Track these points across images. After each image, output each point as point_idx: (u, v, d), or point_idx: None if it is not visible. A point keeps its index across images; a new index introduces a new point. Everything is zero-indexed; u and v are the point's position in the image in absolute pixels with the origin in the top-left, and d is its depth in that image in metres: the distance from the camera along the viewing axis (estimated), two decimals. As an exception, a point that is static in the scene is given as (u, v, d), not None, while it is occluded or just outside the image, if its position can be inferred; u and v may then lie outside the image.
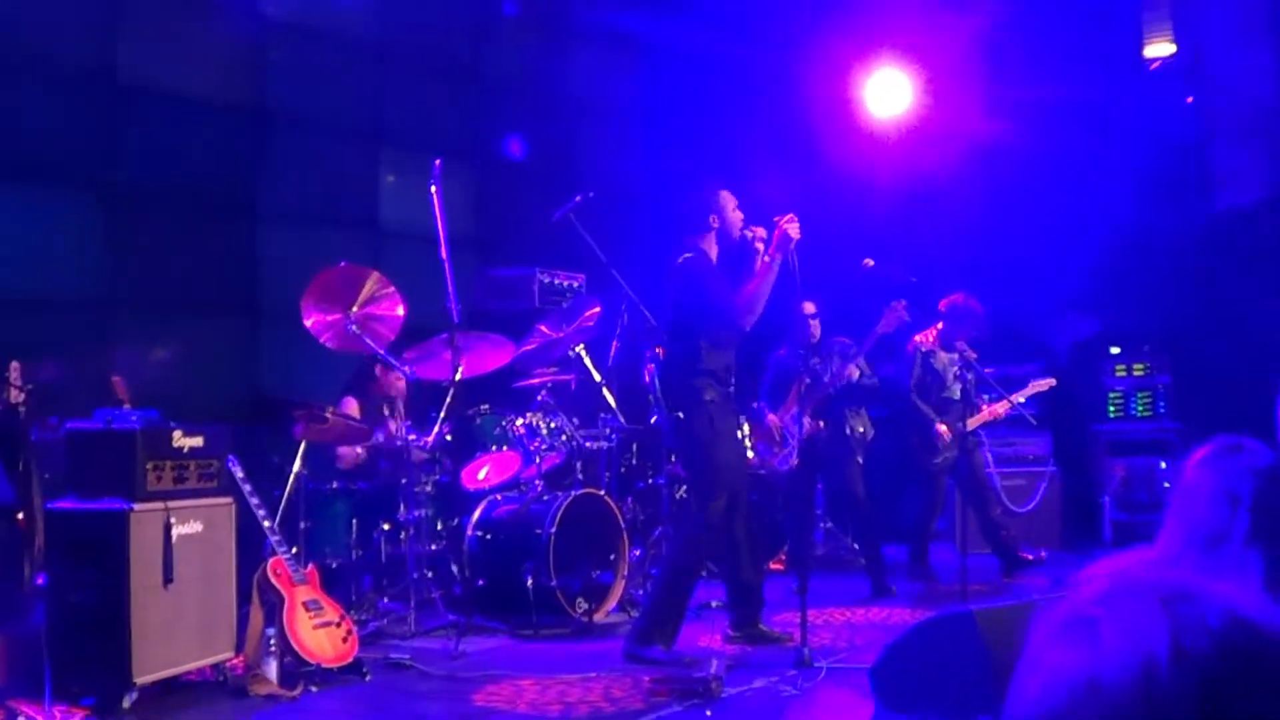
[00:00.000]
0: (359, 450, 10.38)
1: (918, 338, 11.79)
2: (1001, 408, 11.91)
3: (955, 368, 11.74)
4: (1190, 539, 3.42)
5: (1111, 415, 14.21)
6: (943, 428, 11.60)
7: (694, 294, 8.74)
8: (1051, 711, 1.37)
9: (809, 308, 11.28)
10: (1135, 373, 14.13)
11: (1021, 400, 12.05)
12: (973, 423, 11.74)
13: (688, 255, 8.82)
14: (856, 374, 11.46)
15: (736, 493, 8.79)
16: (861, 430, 11.88)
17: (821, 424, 11.03)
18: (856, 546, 13.26)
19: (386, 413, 10.63)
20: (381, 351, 9.56)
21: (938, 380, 11.87)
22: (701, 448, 8.77)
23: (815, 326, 11.49)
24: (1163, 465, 13.77)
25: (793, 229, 8.39)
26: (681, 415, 8.82)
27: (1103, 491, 13.93)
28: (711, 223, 8.85)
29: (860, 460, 11.72)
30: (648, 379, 9.90)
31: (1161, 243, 14.28)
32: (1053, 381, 12.58)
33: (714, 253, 8.91)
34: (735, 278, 8.80)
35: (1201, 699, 1.33)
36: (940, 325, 11.91)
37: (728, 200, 8.91)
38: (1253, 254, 13.75)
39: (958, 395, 11.72)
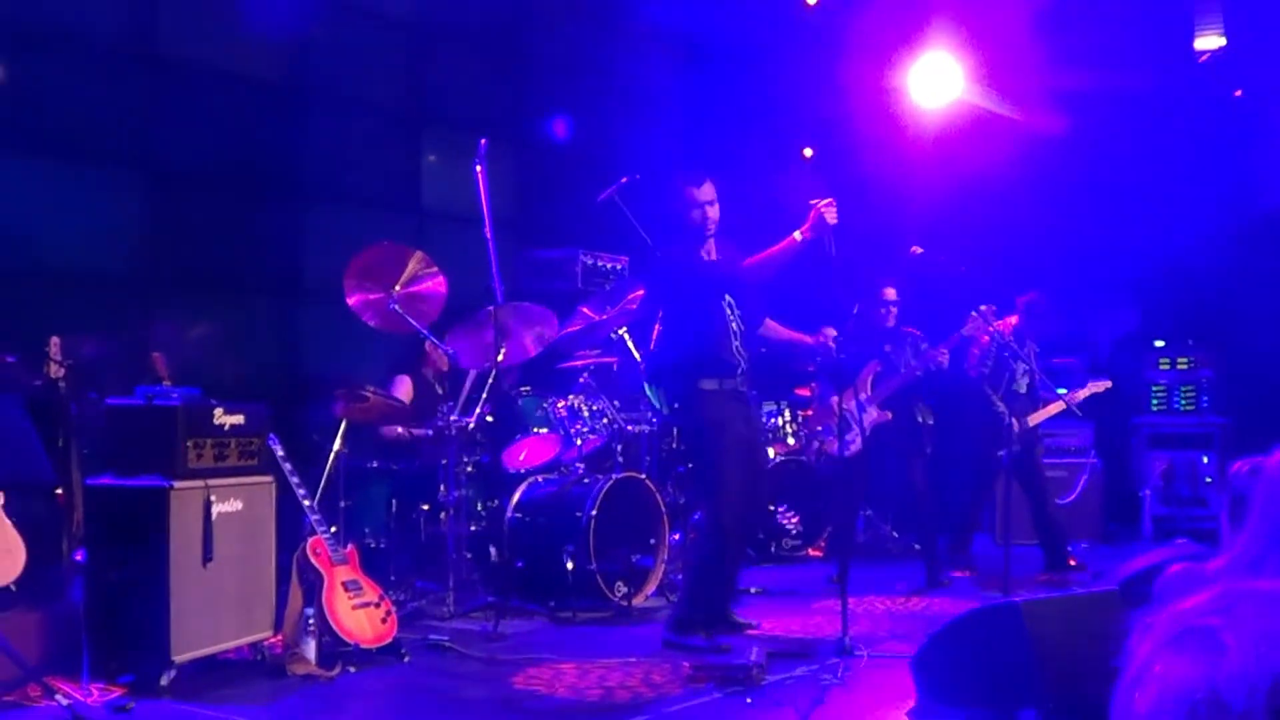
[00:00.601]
0: (397, 432, 10.36)
1: (992, 328, 11.69)
2: (1058, 407, 11.82)
3: (1024, 363, 11.69)
4: (1275, 540, 3.34)
5: (1154, 408, 14.13)
6: (1015, 422, 11.45)
7: (674, 284, 8.76)
8: None
9: (890, 293, 11.22)
10: (1179, 366, 14.05)
11: (1080, 401, 11.98)
12: (1035, 418, 11.69)
13: (663, 251, 8.81)
14: (945, 357, 11.28)
15: (746, 480, 8.67)
16: (931, 422, 11.78)
17: (890, 414, 10.93)
18: (896, 535, 13.20)
19: (440, 391, 10.58)
20: (424, 330, 9.51)
21: (1008, 373, 11.76)
22: (701, 438, 8.76)
23: (892, 314, 11.36)
24: (1205, 460, 13.68)
25: (830, 214, 8.26)
26: (678, 406, 8.87)
27: (1144, 485, 13.84)
28: (672, 219, 8.83)
29: (929, 451, 11.61)
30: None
31: (1207, 237, 14.16)
32: (1109, 384, 12.52)
33: (694, 243, 8.82)
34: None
35: None
36: (1015, 320, 11.81)
37: (700, 193, 8.75)
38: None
39: (1024, 390, 11.69)
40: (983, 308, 10.83)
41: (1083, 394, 12.05)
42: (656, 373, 9.06)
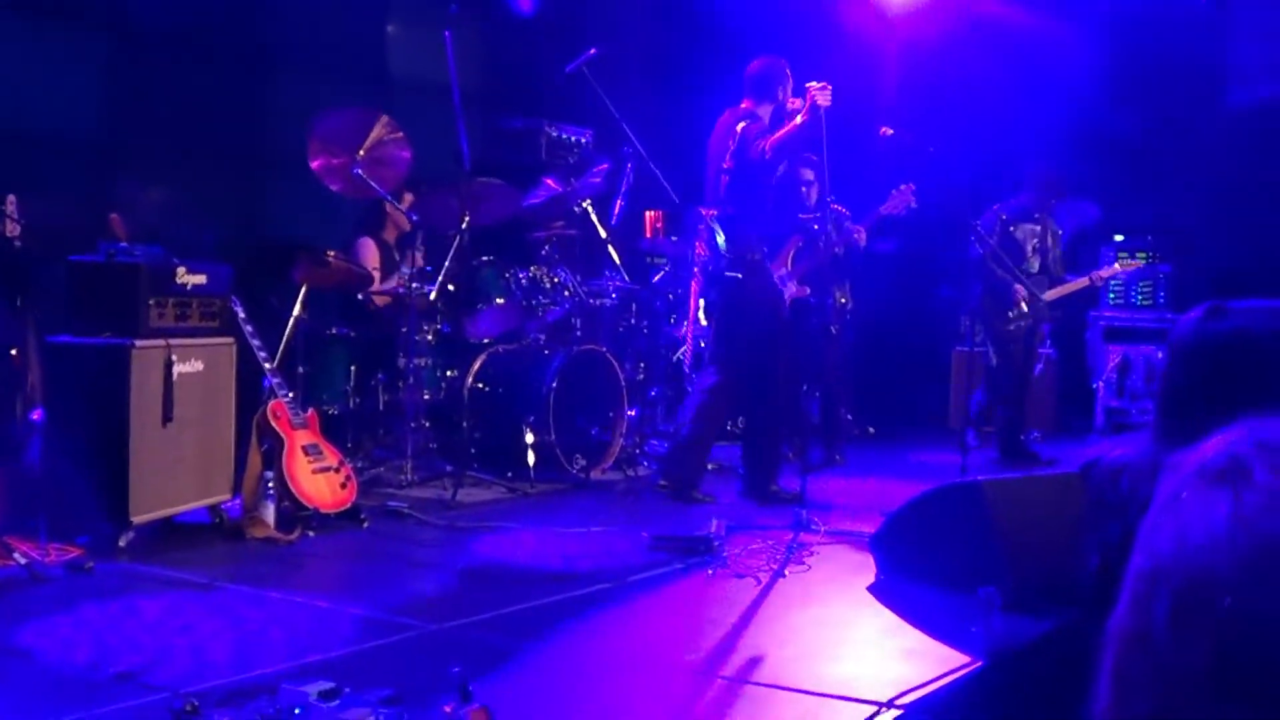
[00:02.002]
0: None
1: (997, 206, 11.64)
2: (1085, 282, 11.80)
3: (1035, 240, 11.61)
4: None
5: (1111, 302, 14.12)
6: (1020, 289, 11.36)
7: (741, 152, 9.06)
8: (1196, 548, 1.28)
9: (807, 174, 11.12)
10: (1138, 260, 14.01)
11: (1107, 277, 11.97)
12: (1051, 295, 11.57)
13: (745, 123, 9.14)
14: (864, 236, 11.28)
15: (782, 355, 9.27)
16: (844, 302, 11.69)
17: (807, 290, 10.78)
18: (849, 417, 13.18)
19: (398, 257, 10.49)
20: (387, 195, 9.44)
21: (1017, 251, 11.64)
22: (754, 310, 9.25)
23: (812, 192, 11.25)
24: (1160, 355, 13.71)
25: (822, 96, 8.61)
26: (740, 276, 9.18)
27: (1097, 377, 13.87)
28: (779, 95, 9.24)
29: (835, 330, 11.48)
30: (698, 243, 9.84)
31: (1173, 133, 14.14)
32: (1143, 260, 12.53)
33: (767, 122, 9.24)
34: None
35: None
36: (1025, 195, 11.75)
37: (785, 74, 9.30)
38: (1264, 150, 13.64)
39: (1036, 268, 11.59)
40: (902, 186, 10.79)
41: (1107, 272, 12.05)
42: (728, 240, 9.33)
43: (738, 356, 9.33)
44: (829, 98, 8.59)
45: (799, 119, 8.79)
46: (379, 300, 10.18)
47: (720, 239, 9.26)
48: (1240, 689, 1.25)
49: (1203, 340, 3.41)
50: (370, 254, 10.25)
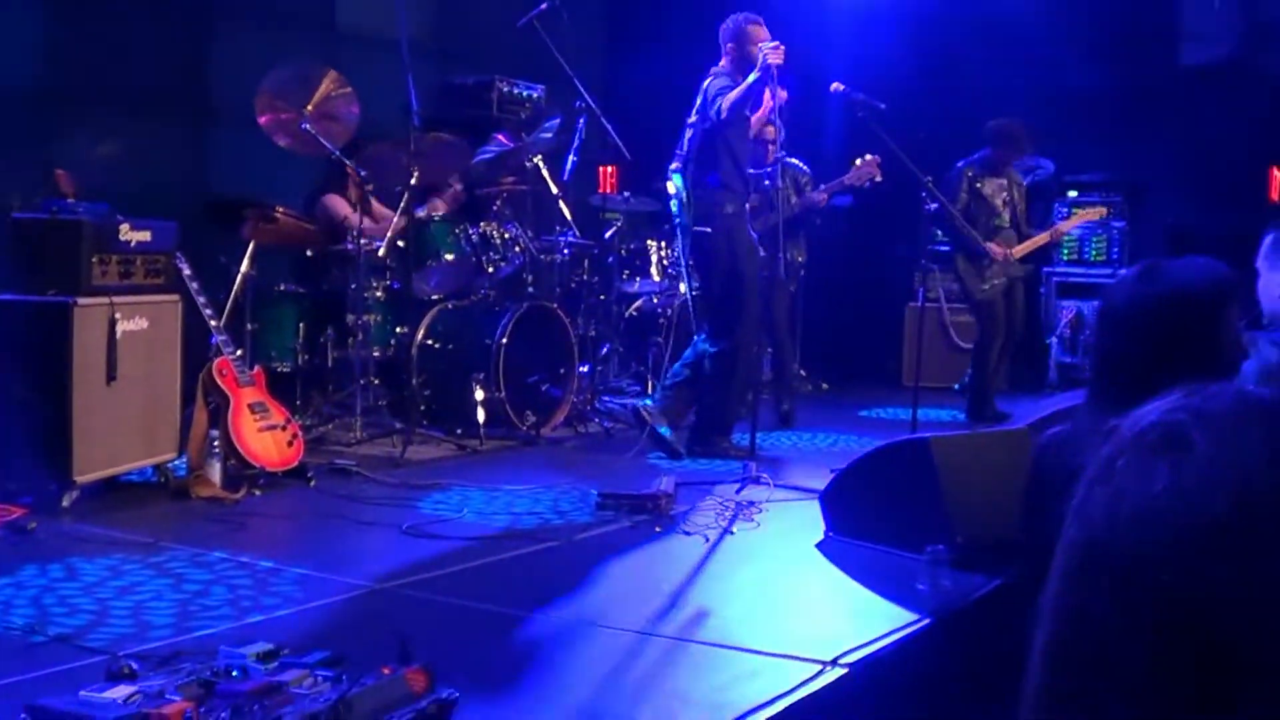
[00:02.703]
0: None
1: (961, 163, 11.60)
2: (1047, 237, 11.81)
3: (1004, 194, 11.59)
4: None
5: (1065, 258, 14.13)
6: (995, 246, 11.32)
7: (706, 109, 9.18)
8: (1133, 520, 1.24)
9: (770, 131, 10.97)
10: (1091, 216, 14.00)
11: (1068, 230, 11.96)
12: (1018, 251, 11.55)
13: (711, 78, 9.31)
14: (825, 199, 11.26)
15: (743, 312, 9.35)
16: (800, 259, 11.62)
17: (761, 250, 10.63)
18: (803, 373, 13.13)
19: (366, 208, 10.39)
20: (336, 151, 9.38)
21: (986, 208, 11.62)
22: (722, 260, 9.29)
23: (770, 151, 11.11)
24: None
25: (774, 55, 8.75)
26: (709, 230, 9.25)
27: (1051, 333, 13.89)
28: (748, 50, 9.21)
29: (793, 289, 11.44)
30: (669, 194, 9.79)
31: (1127, 90, 14.15)
32: (1104, 211, 12.54)
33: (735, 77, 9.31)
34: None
35: None
36: (988, 150, 11.71)
37: (757, 32, 9.28)
38: (1217, 107, 13.68)
39: (1007, 224, 11.56)
40: (868, 156, 10.73)
41: (1072, 222, 12.06)
42: (691, 192, 9.42)
43: (711, 307, 9.45)
44: (781, 56, 8.70)
45: (751, 77, 8.87)
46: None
47: (678, 190, 9.29)
48: (1180, 670, 1.22)
49: (1137, 303, 3.39)
50: (342, 209, 10.12)
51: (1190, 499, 1.22)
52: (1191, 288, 3.37)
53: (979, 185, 11.52)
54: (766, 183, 10.35)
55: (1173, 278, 3.39)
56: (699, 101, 9.27)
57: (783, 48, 8.72)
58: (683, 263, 10.24)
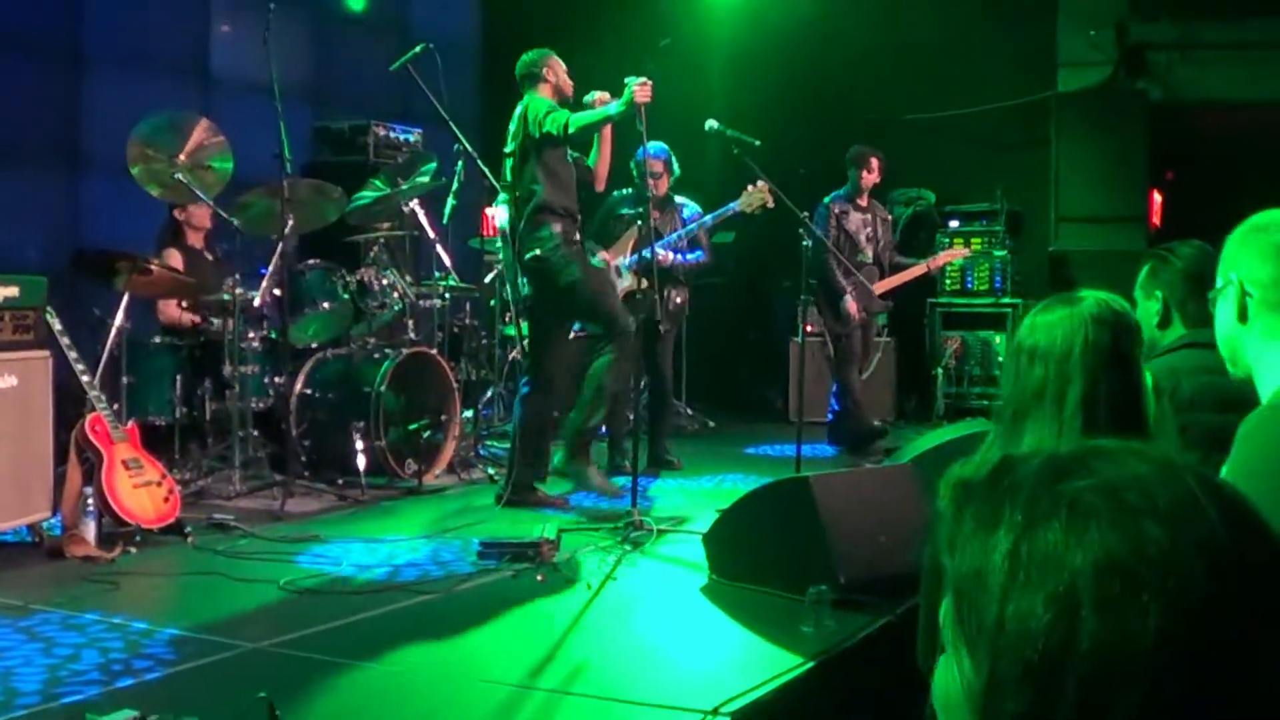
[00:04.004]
0: (182, 308, 10.00)
1: (826, 199, 11.64)
2: (918, 270, 11.85)
3: (867, 229, 11.65)
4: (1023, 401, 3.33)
5: (948, 288, 14.21)
6: (852, 307, 11.37)
7: (532, 128, 8.91)
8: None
9: (656, 165, 10.81)
10: (973, 246, 14.10)
11: (936, 268, 12.03)
12: (881, 286, 11.61)
13: (526, 105, 9.05)
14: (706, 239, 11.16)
15: (614, 324, 9.16)
16: (680, 302, 11.48)
17: (645, 284, 10.47)
18: (689, 411, 13.09)
19: (210, 258, 10.24)
20: (209, 202, 9.29)
21: (849, 242, 11.63)
22: (561, 281, 9.00)
23: (661, 184, 10.94)
24: (997, 340, 13.82)
25: (643, 92, 8.59)
26: (537, 253, 8.96)
27: (936, 364, 13.96)
28: (547, 76, 9.14)
29: (664, 329, 11.18)
30: (495, 228, 9.71)
31: (1006, 118, 14.33)
32: (966, 251, 12.67)
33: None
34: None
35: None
36: (849, 180, 11.78)
37: (557, 65, 9.24)
38: (1093, 132, 13.86)
39: (870, 259, 11.63)
40: (759, 183, 10.66)
41: (942, 259, 12.12)
42: (515, 221, 9.14)
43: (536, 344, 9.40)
44: (649, 94, 8.59)
45: (614, 110, 8.77)
46: (175, 313, 9.98)
47: (503, 221, 9.23)
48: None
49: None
50: (176, 263, 10.00)
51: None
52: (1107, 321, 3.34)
53: (843, 220, 11.60)
54: (639, 222, 10.26)
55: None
56: (514, 127, 9.12)
57: (650, 84, 8.62)
58: (512, 305, 10.07)
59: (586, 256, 9.46)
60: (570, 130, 8.78)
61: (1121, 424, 3.19)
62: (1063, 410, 3.26)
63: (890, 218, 12.03)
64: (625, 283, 10.39)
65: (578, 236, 9.19)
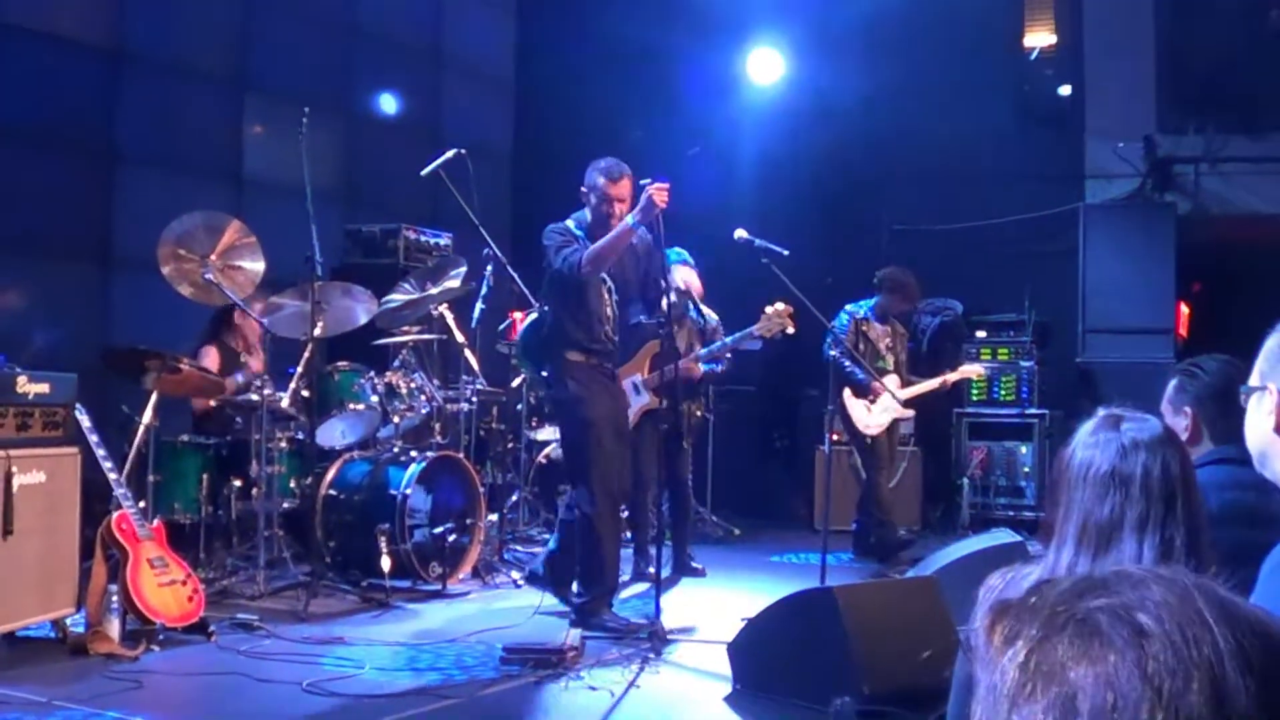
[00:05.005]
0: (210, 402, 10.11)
1: (850, 307, 11.68)
2: (934, 384, 11.85)
3: (887, 340, 11.69)
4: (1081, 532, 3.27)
5: (974, 398, 14.20)
6: (878, 385, 11.32)
7: (549, 260, 8.64)
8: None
9: (684, 274, 10.78)
10: (1000, 356, 14.12)
11: (954, 381, 12.04)
12: (906, 393, 11.62)
13: (553, 226, 8.73)
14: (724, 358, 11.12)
15: (613, 456, 8.68)
16: (699, 414, 11.46)
17: (662, 401, 10.30)
18: (714, 519, 13.07)
19: (244, 361, 10.36)
20: (239, 301, 9.35)
21: (871, 351, 11.67)
22: (568, 408, 8.71)
23: (679, 297, 10.84)
24: (1023, 450, 13.80)
25: (659, 196, 8.15)
26: (546, 375, 8.83)
27: (961, 474, 13.93)
28: (583, 198, 8.73)
29: (687, 443, 11.19)
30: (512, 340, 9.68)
31: (1033, 229, 14.38)
32: (982, 369, 12.70)
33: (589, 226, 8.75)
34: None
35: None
36: (880, 297, 11.80)
37: (603, 180, 8.61)
38: (1120, 244, 13.89)
39: (890, 367, 11.67)
40: (780, 306, 10.62)
41: (956, 376, 12.12)
42: (531, 339, 9.03)
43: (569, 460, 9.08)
44: (666, 197, 8.15)
45: (629, 220, 8.32)
46: (203, 403, 10.09)
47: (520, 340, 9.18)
48: None
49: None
50: (211, 361, 10.10)
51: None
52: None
53: (865, 329, 11.64)
54: (661, 332, 10.08)
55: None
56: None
57: (667, 187, 8.19)
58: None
59: (600, 392, 8.76)
60: (584, 268, 8.43)
61: (1193, 547, 3.12)
62: (1141, 538, 3.18)
63: (904, 333, 12.04)
64: (643, 400, 10.26)
65: (594, 362, 8.72)
